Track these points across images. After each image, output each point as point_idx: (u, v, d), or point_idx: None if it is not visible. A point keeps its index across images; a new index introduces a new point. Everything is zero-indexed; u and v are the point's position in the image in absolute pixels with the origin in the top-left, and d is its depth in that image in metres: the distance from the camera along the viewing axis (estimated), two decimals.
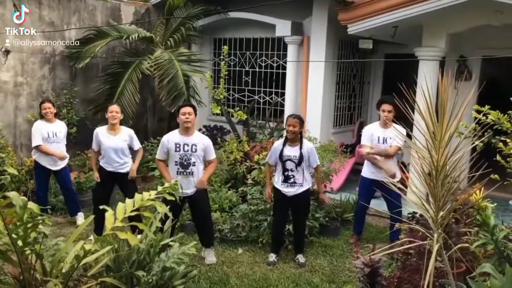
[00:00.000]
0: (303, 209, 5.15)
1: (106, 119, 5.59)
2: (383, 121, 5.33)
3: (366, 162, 5.54)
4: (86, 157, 7.27)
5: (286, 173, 4.90)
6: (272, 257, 5.11)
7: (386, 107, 5.28)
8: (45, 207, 5.72)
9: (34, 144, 5.82)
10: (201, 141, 4.87)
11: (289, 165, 4.88)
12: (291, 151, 4.87)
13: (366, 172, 5.51)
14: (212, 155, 4.96)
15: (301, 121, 4.91)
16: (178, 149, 4.81)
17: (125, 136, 5.48)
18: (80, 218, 6.07)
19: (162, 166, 4.98)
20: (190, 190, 4.85)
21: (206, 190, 5.14)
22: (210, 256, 5.03)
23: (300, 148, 4.86)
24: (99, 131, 5.47)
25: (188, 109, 4.79)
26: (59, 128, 5.99)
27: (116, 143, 5.38)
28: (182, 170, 4.82)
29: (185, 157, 4.81)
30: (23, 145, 7.47)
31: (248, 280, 4.62)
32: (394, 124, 5.22)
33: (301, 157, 4.84)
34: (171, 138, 4.87)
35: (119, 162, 5.43)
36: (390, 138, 5.30)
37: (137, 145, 5.60)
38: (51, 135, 5.86)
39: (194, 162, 4.82)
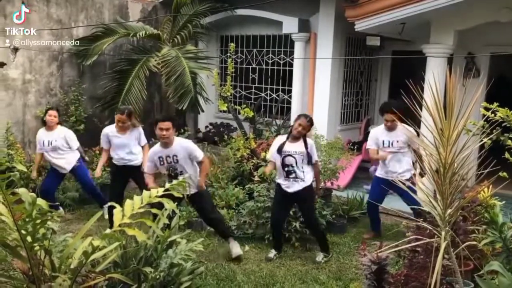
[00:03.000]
0: (308, 203, 5.03)
1: (114, 117, 5.68)
2: (387, 126, 5.32)
3: (380, 161, 5.51)
4: (93, 153, 7.30)
5: (286, 168, 4.85)
6: (272, 253, 5.10)
7: (387, 116, 5.24)
8: (54, 203, 5.81)
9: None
10: (181, 149, 4.78)
11: (289, 160, 4.81)
12: (293, 147, 4.81)
13: (380, 171, 5.49)
14: (199, 156, 4.85)
15: (311, 124, 4.90)
16: (162, 163, 4.80)
17: (135, 134, 5.69)
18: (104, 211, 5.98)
19: (151, 178, 4.93)
20: (188, 192, 4.80)
21: (206, 189, 5.14)
22: (234, 248, 4.99)
23: (305, 146, 4.82)
24: (108, 130, 5.63)
25: (165, 124, 4.65)
26: (55, 137, 5.94)
27: (123, 141, 5.60)
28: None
29: (171, 168, 4.80)
30: (32, 142, 7.51)
31: (254, 277, 4.63)
32: (403, 125, 5.18)
33: (308, 154, 4.81)
34: (156, 152, 4.82)
35: (128, 158, 5.63)
36: (397, 141, 5.29)
37: (143, 141, 5.75)
38: (46, 144, 5.92)
39: (181, 171, 4.77)
